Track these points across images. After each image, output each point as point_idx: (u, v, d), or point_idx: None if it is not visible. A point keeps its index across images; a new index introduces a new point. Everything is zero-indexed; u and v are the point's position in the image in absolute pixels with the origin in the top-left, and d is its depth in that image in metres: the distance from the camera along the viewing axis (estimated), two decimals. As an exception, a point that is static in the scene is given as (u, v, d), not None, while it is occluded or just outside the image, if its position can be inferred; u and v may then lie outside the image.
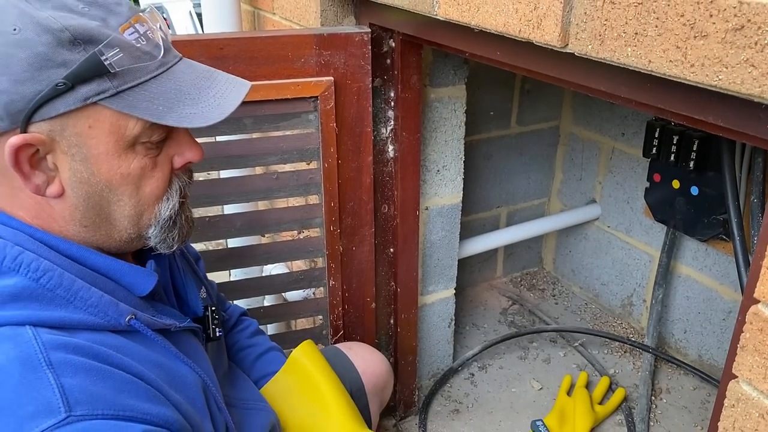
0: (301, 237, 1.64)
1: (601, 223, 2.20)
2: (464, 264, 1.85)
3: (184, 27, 5.48)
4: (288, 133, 1.35)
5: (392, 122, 1.47)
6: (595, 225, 2.22)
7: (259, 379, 1.18)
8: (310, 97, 1.31)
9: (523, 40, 0.86)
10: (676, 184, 1.77)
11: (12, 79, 0.69)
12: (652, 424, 1.78)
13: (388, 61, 1.41)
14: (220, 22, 1.66)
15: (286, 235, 1.71)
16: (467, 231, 1.94)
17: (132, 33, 0.74)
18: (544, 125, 2.23)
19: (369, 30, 1.32)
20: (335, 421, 1.10)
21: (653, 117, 1.77)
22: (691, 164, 1.65)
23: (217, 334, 1.00)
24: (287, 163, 1.38)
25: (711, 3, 0.62)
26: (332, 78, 1.31)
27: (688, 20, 0.65)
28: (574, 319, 2.23)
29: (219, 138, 1.36)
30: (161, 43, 0.77)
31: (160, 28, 0.78)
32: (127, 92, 0.73)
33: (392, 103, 1.45)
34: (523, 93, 2.13)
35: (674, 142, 1.68)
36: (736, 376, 0.70)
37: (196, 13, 5.44)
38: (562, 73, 0.90)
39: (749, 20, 0.60)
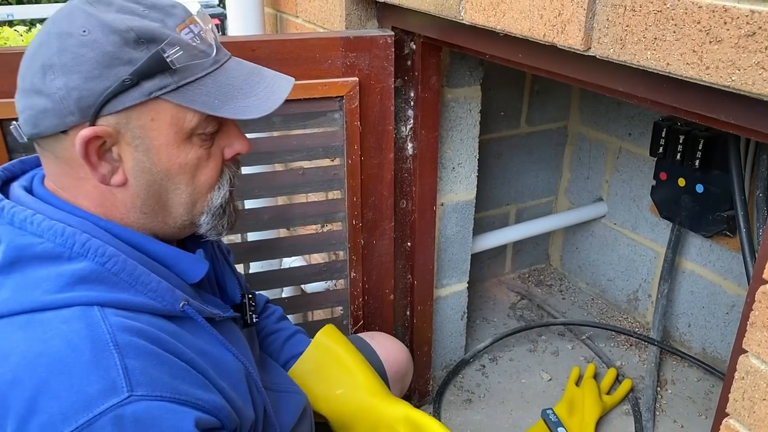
0: (324, 230, 1.70)
1: (608, 220, 2.26)
2: (474, 260, 1.91)
3: (191, 28, 5.56)
4: (314, 131, 1.42)
5: (412, 121, 1.53)
6: (601, 222, 2.29)
7: (287, 360, 1.24)
8: (336, 97, 1.37)
9: (547, 43, 0.93)
10: (681, 182, 1.84)
11: (83, 76, 0.74)
12: (657, 413, 1.85)
13: (409, 62, 1.48)
14: (244, 24, 1.73)
15: (309, 229, 1.77)
16: (477, 228, 2.01)
17: (188, 33, 0.80)
18: (553, 125, 2.29)
19: (392, 33, 1.38)
20: (363, 389, 1.15)
21: (660, 117, 1.84)
22: (697, 163, 1.72)
23: (254, 320, 1.06)
24: (312, 159, 1.44)
25: (725, 11, 0.69)
26: (357, 79, 1.37)
27: (704, 27, 0.72)
28: (581, 314, 2.30)
29: (248, 135, 1.43)
30: (213, 42, 0.83)
31: (211, 28, 0.85)
32: (186, 87, 0.79)
33: (412, 103, 1.52)
34: (533, 94, 2.20)
35: (680, 141, 1.75)
36: (746, 351, 0.77)
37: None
38: (581, 74, 0.97)
39: (760, 27, 0.66)
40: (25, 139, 0.80)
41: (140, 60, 0.75)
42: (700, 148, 1.71)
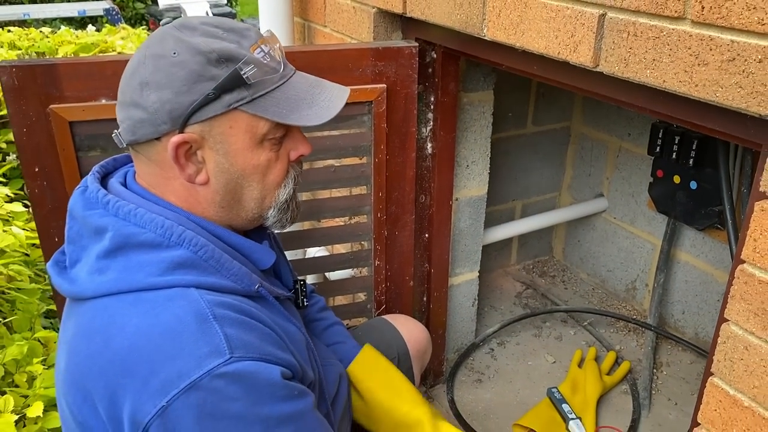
0: (352, 222, 1.85)
1: (608, 214, 2.42)
2: (482, 252, 2.07)
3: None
4: (345, 132, 1.57)
5: (431, 123, 1.69)
6: (602, 217, 2.44)
7: (328, 347, 1.38)
8: (366, 102, 1.52)
9: (561, 60, 1.08)
10: (677, 179, 1.99)
11: (174, 91, 0.87)
12: (653, 393, 2.01)
13: (430, 69, 1.63)
14: (274, 32, 1.87)
15: (336, 221, 1.92)
16: (486, 221, 2.16)
17: (260, 52, 0.93)
18: (557, 126, 2.45)
19: (417, 44, 1.53)
20: (408, 401, 1.28)
21: (657, 120, 2.00)
22: (691, 162, 1.88)
23: (305, 304, 1.20)
24: (342, 158, 1.59)
25: (711, 40, 0.84)
26: (385, 85, 1.52)
27: (693, 52, 0.87)
28: (583, 302, 2.45)
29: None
30: (281, 59, 0.97)
31: (279, 47, 0.99)
32: (259, 99, 0.92)
33: (432, 107, 1.67)
34: (539, 96, 2.35)
35: (676, 142, 1.91)
36: (728, 320, 0.92)
37: (213, 13, 5.65)
38: (589, 86, 1.12)
39: (739, 54, 0.82)
40: (124, 145, 0.94)
41: (221, 77, 0.89)
42: (693, 148, 1.86)
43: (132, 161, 1.02)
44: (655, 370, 2.09)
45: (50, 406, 1.52)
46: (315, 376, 1.08)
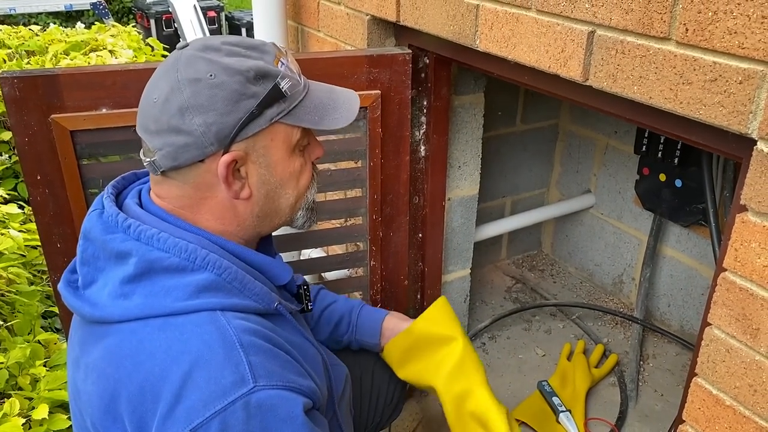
0: (348, 224, 1.89)
1: (596, 210, 2.48)
2: (473, 248, 2.12)
3: (188, 19, 5.67)
4: (341, 137, 1.60)
5: (424, 127, 1.73)
6: (589, 212, 2.50)
7: (322, 311, 1.41)
8: (361, 108, 1.55)
9: (551, 73, 1.12)
10: (662, 177, 2.05)
11: (218, 112, 0.88)
12: (640, 384, 2.07)
13: (423, 74, 1.67)
14: (267, 36, 1.90)
15: (334, 223, 1.96)
16: (477, 218, 2.21)
17: (282, 65, 0.95)
18: (545, 123, 2.50)
19: (410, 51, 1.57)
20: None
21: (643, 119, 2.05)
22: (676, 160, 1.93)
23: (310, 308, 1.22)
24: (338, 162, 1.63)
25: (695, 61, 0.89)
26: (379, 91, 1.55)
27: (678, 71, 0.91)
28: (571, 296, 2.51)
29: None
30: (297, 70, 0.99)
31: (292, 59, 1.00)
32: (294, 110, 0.95)
33: (425, 111, 1.71)
34: (527, 95, 2.39)
35: (661, 141, 1.96)
36: (710, 324, 0.98)
37: (200, 6, 5.63)
38: (579, 97, 1.16)
39: (720, 75, 0.86)
40: (159, 173, 0.93)
41: (262, 93, 0.90)
42: (678, 147, 1.92)
43: (138, 178, 1.05)
44: (641, 363, 2.15)
45: (55, 407, 1.56)
46: (327, 386, 1.10)
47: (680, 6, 0.89)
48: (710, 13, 0.85)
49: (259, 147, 0.93)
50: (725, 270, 0.94)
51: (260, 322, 0.93)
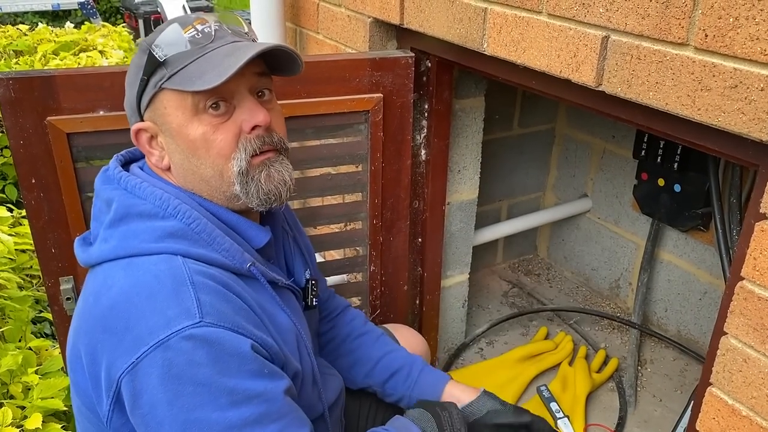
0: (347, 229, 1.87)
1: (592, 215, 2.47)
2: (470, 251, 2.11)
3: (177, 19, 5.63)
4: (342, 140, 1.58)
5: (425, 130, 1.71)
6: (586, 217, 2.49)
7: (382, 356, 1.36)
8: (363, 111, 1.54)
9: (562, 78, 1.11)
10: (661, 182, 2.04)
11: (129, 86, 0.97)
12: (639, 389, 2.07)
13: (424, 78, 1.65)
14: (265, 37, 1.87)
15: (334, 228, 1.93)
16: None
17: (191, 31, 0.94)
18: (542, 127, 2.49)
19: (413, 54, 1.55)
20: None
21: (642, 124, 2.04)
22: (675, 165, 1.92)
23: (314, 303, 1.20)
24: (339, 166, 1.61)
25: (714, 67, 0.88)
26: (381, 95, 1.53)
27: (696, 77, 0.90)
28: (567, 301, 2.51)
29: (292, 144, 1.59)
30: (214, 34, 0.95)
31: (218, 25, 0.96)
32: (176, 75, 0.92)
33: (426, 114, 1.69)
34: (525, 98, 2.38)
35: (661, 146, 1.96)
36: (726, 333, 0.96)
37: (189, 5, 5.58)
38: (590, 103, 1.15)
39: (741, 82, 0.85)
40: None
41: (144, 63, 0.94)
42: (678, 152, 1.91)
43: None
44: (639, 367, 2.15)
45: (48, 416, 1.52)
46: (307, 372, 1.08)
47: (700, 11, 0.88)
48: (731, 19, 0.84)
49: (158, 116, 0.96)
50: (743, 279, 0.93)
51: (225, 275, 0.94)
